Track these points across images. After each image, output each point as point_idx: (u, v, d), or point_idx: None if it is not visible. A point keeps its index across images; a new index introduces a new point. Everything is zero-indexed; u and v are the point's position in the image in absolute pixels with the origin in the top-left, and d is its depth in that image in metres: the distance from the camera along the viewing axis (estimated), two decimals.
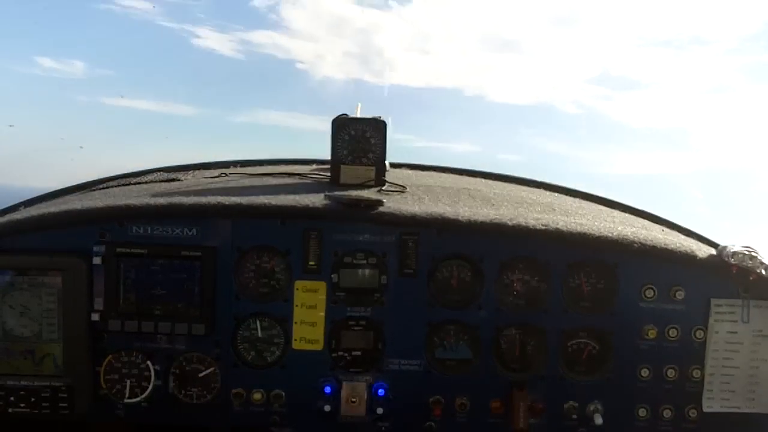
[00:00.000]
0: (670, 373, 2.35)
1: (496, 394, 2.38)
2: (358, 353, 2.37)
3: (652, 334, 2.33)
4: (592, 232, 2.32)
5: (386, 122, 2.60)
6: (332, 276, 2.33)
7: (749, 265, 2.25)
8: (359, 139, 2.60)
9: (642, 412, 2.37)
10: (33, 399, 2.29)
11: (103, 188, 2.80)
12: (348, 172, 2.60)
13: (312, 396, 2.36)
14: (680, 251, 2.32)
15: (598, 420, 2.34)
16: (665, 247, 2.32)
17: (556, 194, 3.11)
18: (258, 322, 2.36)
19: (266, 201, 2.31)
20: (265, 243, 2.33)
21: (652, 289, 2.33)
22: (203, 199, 2.32)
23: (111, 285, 2.27)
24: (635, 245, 2.30)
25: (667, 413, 2.37)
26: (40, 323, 2.28)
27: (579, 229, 2.33)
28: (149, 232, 2.29)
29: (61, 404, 2.30)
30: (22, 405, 2.29)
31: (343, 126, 2.60)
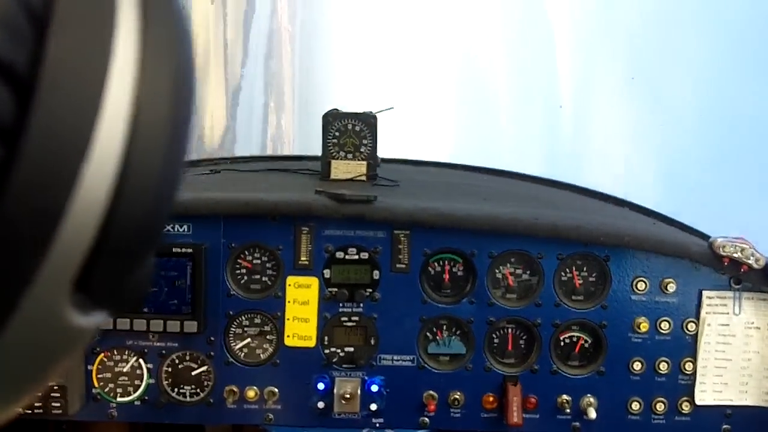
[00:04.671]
0: (663, 366, 2.35)
1: (489, 389, 2.38)
2: (351, 349, 2.37)
3: (644, 327, 2.33)
4: (585, 226, 2.32)
5: (377, 117, 2.59)
6: (324, 272, 2.33)
7: (740, 257, 2.26)
8: (350, 134, 2.59)
9: (635, 406, 2.37)
10: None
11: None
12: (339, 167, 2.59)
13: (305, 393, 2.36)
14: (671, 244, 2.32)
15: (592, 414, 2.34)
16: (657, 239, 2.32)
17: (547, 188, 3.11)
18: (250, 319, 2.35)
19: (257, 197, 2.30)
20: (256, 239, 2.33)
21: (643, 281, 2.33)
22: (194, 196, 2.31)
23: None
24: (627, 238, 2.30)
25: (660, 406, 2.37)
26: None
27: (571, 222, 2.33)
28: None
29: (53, 404, 2.28)
30: None
31: (333, 121, 2.59)
